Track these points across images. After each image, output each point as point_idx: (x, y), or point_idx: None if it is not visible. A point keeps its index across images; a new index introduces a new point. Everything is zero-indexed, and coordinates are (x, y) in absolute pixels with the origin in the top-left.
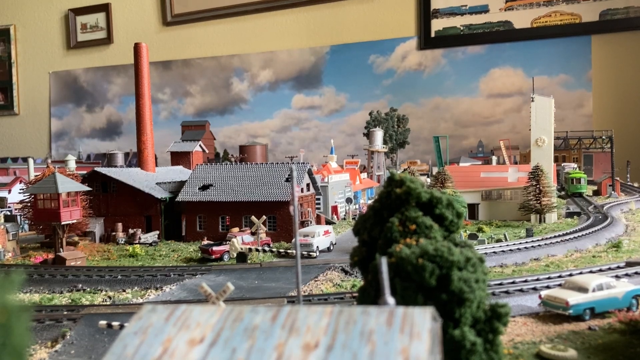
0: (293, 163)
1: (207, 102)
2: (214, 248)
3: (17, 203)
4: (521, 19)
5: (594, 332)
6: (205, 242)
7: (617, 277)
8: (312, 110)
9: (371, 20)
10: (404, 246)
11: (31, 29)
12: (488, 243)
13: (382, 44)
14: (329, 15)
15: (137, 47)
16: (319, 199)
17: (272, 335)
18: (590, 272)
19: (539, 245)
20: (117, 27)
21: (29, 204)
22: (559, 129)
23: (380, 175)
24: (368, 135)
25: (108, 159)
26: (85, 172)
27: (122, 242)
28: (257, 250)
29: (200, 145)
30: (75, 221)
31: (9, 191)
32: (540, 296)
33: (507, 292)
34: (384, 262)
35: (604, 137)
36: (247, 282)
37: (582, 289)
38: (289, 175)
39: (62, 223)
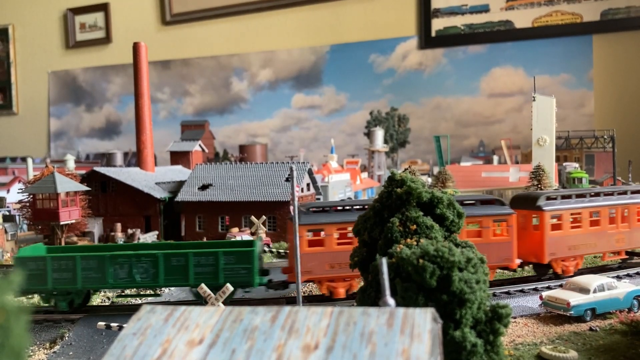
0: (293, 163)
1: (207, 101)
2: None
3: (16, 203)
4: (522, 19)
5: (595, 333)
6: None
7: (618, 277)
8: (312, 110)
9: (371, 20)
10: (404, 247)
11: (30, 28)
12: None
13: (382, 43)
14: (329, 15)
15: (136, 47)
16: (319, 199)
17: (272, 336)
18: (592, 272)
19: None
20: (116, 26)
21: (27, 204)
22: (560, 128)
23: (381, 175)
24: (368, 134)
25: (107, 159)
26: (84, 171)
27: (121, 242)
28: None
29: (199, 145)
30: (74, 221)
31: (8, 191)
32: (541, 297)
33: (508, 293)
34: (384, 263)
35: (605, 137)
36: None
37: (584, 290)
38: (288, 175)
39: (61, 223)
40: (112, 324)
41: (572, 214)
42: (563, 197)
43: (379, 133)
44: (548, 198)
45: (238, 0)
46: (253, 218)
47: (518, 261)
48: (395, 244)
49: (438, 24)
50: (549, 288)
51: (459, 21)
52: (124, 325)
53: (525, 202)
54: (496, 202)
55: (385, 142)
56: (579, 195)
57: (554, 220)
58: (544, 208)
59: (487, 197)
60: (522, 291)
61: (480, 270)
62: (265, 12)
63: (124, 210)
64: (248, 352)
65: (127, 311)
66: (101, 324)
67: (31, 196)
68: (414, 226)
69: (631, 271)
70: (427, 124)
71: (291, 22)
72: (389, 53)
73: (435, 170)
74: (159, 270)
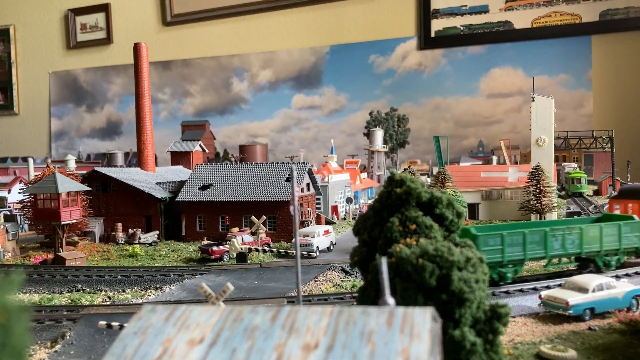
0: (293, 163)
1: (207, 102)
2: (214, 248)
3: (17, 203)
4: (521, 19)
5: (594, 333)
6: (205, 242)
7: (617, 277)
8: (312, 110)
9: (371, 20)
10: (404, 246)
11: (31, 29)
12: None
13: (382, 44)
14: (329, 15)
15: (136, 47)
16: (319, 199)
17: (272, 335)
18: (591, 272)
19: None
20: (116, 27)
21: (28, 204)
22: (559, 128)
23: (381, 175)
24: (368, 135)
25: (108, 159)
26: (85, 171)
27: (122, 242)
28: (257, 250)
29: (200, 145)
30: (75, 221)
31: (9, 191)
32: (540, 296)
33: (507, 293)
34: (384, 262)
35: (604, 137)
36: (247, 282)
37: (582, 289)
38: (289, 175)
39: (62, 223)
40: (113, 323)
41: None
42: None
43: (379, 133)
44: None
45: (238, 1)
46: (253, 218)
47: None
48: (394, 244)
49: (437, 25)
50: (548, 287)
51: (458, 22)
52: (125, 325)
53: None
54: None
55: (385, 142)
56: None
57: None
58: None
59: None
60: (521, 290)
61: (480, 270)
62: (265, 12)
63: (125, 210)
64: (248, 352)
65: (128, 310)
66: (102, 323)
67: (32, 196)
68: (414, 226)
69: (630, 271)
70: (427, 124)
71: (291, 23)
72: (388, 53)
73: (435, 170)
74: (582, 241)
